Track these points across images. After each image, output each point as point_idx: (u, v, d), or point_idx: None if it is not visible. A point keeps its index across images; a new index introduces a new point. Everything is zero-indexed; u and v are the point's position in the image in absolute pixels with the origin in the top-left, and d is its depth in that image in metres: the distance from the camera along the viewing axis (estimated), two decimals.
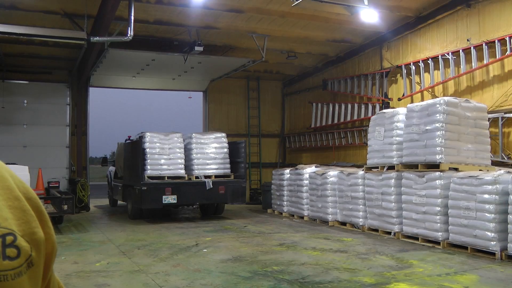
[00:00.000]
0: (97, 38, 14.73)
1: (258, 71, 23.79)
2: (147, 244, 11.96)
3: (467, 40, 15.32)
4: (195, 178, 16.93)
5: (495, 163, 13.06)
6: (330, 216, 15.37)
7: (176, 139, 17.03)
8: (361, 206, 14.15)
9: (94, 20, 15.17)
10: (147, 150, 16.42)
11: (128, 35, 14.23)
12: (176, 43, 18.17)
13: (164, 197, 15.82)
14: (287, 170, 18.30)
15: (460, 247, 10.79)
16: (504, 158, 13.85)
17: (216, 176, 17.23)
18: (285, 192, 18.10)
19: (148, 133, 16.77)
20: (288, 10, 16.08)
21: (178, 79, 22.30)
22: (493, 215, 10.02)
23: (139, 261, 9.84)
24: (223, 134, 18.05)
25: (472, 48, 14.98)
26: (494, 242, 9.98)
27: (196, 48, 17.00)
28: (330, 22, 17.29)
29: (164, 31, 17.54)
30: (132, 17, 13.94)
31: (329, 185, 15.50)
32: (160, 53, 17.66)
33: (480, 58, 14.83)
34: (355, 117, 20.26)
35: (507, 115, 13.90)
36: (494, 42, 14.34)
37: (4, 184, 0.91)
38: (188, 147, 17.33)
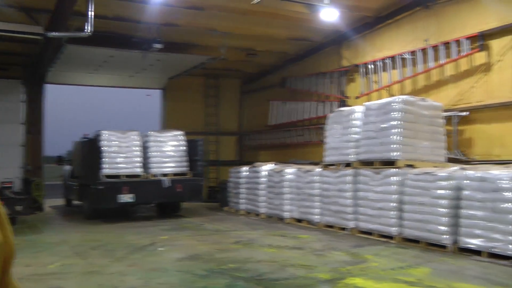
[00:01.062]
0: (54, 34, 14.32)
1: (218, 69, 23.63)
2: (102, 244, 11.73)
3: (425, 40, 15.52)
4: (153, 177, 16.72)
5: (449, 160, 13.27)
6: (286, 213, 15.38)
7: (133, 137, 16.80)
8: (317, 203, 14.19)
9: (51, 15, 14.80)
10: (104, 148, 16.12)
11: (87, 30, 13.90)
12: (135, 40, 17.86)
13: (121, 196, 15.58)
14: (245, 168, 18.26)
15: (414, 242, 10.91)
16: (458, 155, 14.08)
17: (173, 175, 17.05)
18: (242, 190, 18.04)
19: (105, 131, 16.47)
20: (248, 8, 15.99)
21: (136, 77, 22.03)
22: (446, 210, 10.19)
23: (94, 262, 9.63)
24: (181, 132, 17.88)
25: (429, 48, 15.20)
26: (447, 236, 10.14)
27: (155, 45, 16.78)
28: (291, 20, 17.29)
29: (124, 27, 17.19)
30: (91, 12, 13.61)
31: (286, 182, 15.50)
32: (118, 50, 17.37)
33: (436, 58, 15.05)
34: (313, 115, 20.32)
35: (461, 113, 14.14)
36: (450, 43, 14.59)
37: None
38: (145, 145, 17.11)
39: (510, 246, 8.97)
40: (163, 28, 17.15)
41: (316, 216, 14.17)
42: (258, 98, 24.88)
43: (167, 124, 23.74)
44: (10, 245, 0.92)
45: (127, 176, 16.27)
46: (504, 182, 9.18)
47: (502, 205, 9.13)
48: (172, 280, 8.13)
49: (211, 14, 16.46)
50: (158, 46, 16.70)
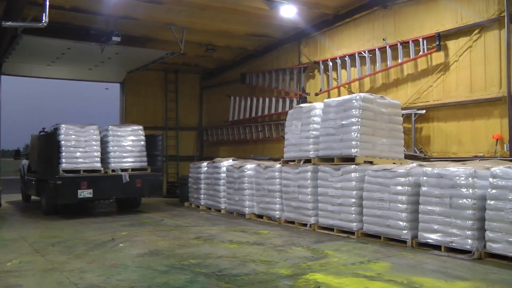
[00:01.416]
0: (9, 23, 13.93)
1: (177, 64, 23.52)
2: (62, 240, 11.50)
3: (383, 39, 15.78)
4: (112, 172, 16.49)
5: (408, 157, 13.54)
6: (247, 209, 15.39)
7: (92, 131, 16.50)
8: (278, 199, 14.23)
9: (6, 4, 14.45)
10: (62, 142, 15.78)
11: (43, 21, 13.54)
12: (93, 32, 17.55)
13: (79, 191, 15.30)
14: (205, 163, 18.17)
15: (374, 237, 11.08)
16: (416, 152, 14.38)
17: (133, 170, 16.85)
18: (202, 185, 17.96)
19: (63, 125, 16.12)
20: (208, 3, 15.97)
21: (94, 70, 21.63)
22: (405, 205, 10.38)
23: (53, 259, 9.44)
24: (140, 127, 17.67)
25: (387, 47, 15.46)
26: (406, 231, 10.35)
27: (114, 38, 16.55)
28: (250, 16, 17.31)
29: (81, 19, 16.88)
30: (47, 2, 13.30)
31: (246, 178, 15.50)
32: (76, 42, 17.01)
33: (395, 57, 15.34)
34: (273, 111, 20.42)
35: (419, 111, 14.46)
36: (408, 42, 14.87)
37: None
38: (104, 139, 16.84)
39: (467, 240, 9.22)
40: (122, 21, 16.95)
41: (277, 212, 14.22)
42: (218, 93, 24.85)
43: (126, 118, 23.49)
44: None
45: (86, 171, 15.99)
46: (461, 178, 9.41)
47: (459, 201, 9.37)
48: (132, 276, 8.04)
49: (170, 9, 16.36)
50: (116, 39, 16.50)
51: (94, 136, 16.43)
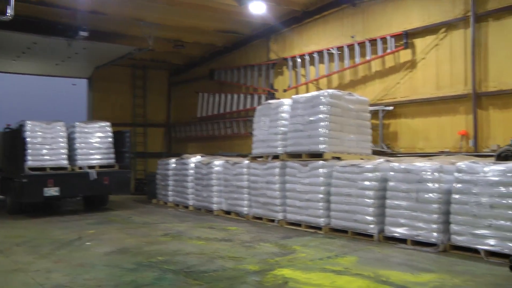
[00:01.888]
0: None
1: (145, 60, 23.29)
2: (27, 240, 11.26)
3: (352, 36, 15.89)
4: (79, 169, 16.23)
5: (375, 153, 13.67)
6: (215, 205, 15.34)
7: (58, 128, 16.19)
8: (245, 195, 14.22)
9: None
10: (28, 139, 15.45)
11: (7, 14, 13.31)
12: (60, 27, 17.23)
13: (46, 189, 15.01)
14: (173, 160, 18.07)
15: (341, 232, 11.15)
16: (383, 148, 14.52)
17: (100, 167, 16.60)
18: (170, 182, 17.85)
19: (29, 122, 15.77)
20: None
21: (61, 65, 21.32)
22: (372, 200, 10.48)
23: (18, 259, 9.24)
24: (108, 124, 17.42)
25: (356, 44, 15.56)
26: (373, 225, 10.45)
27: (81, 33, 16.31)
28: (219, 12, 17.22)
29: (48, 13, 16.51)
30: None
31: (214, 174, 15.45)
32: (42, 36, 16.73)
33: (363, 54, 15.45)
34: (241, 107, 20.40)
35: (387, 108, 14.59)
36: (376, 40, 14.99)
37: None
38: (71, 136, 16.56)
39: (433, 233, 9.37)
40: (90, 16, 16.68)
41: (245, 208, 14.20)
42: (186, 90, 24.71)
43: (94, 115, 23.16)
44: None
45: (52, 168, 15.69)
46: (427, 173, 9.55)
47: (425, 195, 9.50)
48: (99, 275, 7.93)
49: (138, 4, 16.18)
50: (84, 34, 16.26)
51: (60, 133, 16.15)
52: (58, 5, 15.83)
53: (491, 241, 8.53)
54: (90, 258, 9.21)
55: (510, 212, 8.35)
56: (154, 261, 8.78)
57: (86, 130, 16.80)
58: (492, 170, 8.70)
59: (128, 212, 16.25)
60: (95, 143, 16.81)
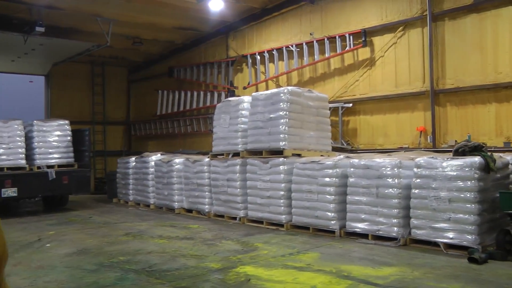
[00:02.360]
0: None
1: (103, 57, 22.96)
2: None
3: (310, 34, 15.99)
4: (37, 169, 15.87)
5: (335, 149, 13.79)
6: (176, 203, 15.25)
7: (16, 126, 15.78)
8: (207, 193, 14.17)
9: None
10: None
11: None
12: (15, 22, 16.83)
13: (3, 190, 14.62)
14: (133, 158, 17.87)
15: (303, 228, 11.22)
16: (343, 144, 14.67)
17: (59, 166, 16.27)
18: (130, 180, 17.65)
19: None
20: None
21: (17, 61, 20.79)
22: (333, 196, 10.56)
23: None
24: (67, 122, 17.09)
25: (315, 42, 15.67)
26: (334, 221, 10.54)
27: (38, 28, 15.91)
28: (177, 9, 17.11)
29: (2, 7, 15.99)
30: None
31: (175, 172, 15.35)
32: None
33: (322, 52, 15.56)
34: (201, 105, 20.33)
35: (346, 105, 14.75)
36: (335, 37, 15.11)
37: None
38: (29, 135, 16.19)
39: (393, 228, 9.52)
40: (46, 11, 16.34)
41: (206, 206, 14.15)
42: (145, 87, 24.48)
43: (52, 113, 22.67)
44: (2, 246, 0.86)
45: (10, 168, 15.29)
46: (387, 169, 9.68)
47: (385, 191, 9.64)
48: (60, 277, 7.77)
49: (96, 0, 15.96)
50: (40, 29, 15.86)
51: (18, 132, 15.75)
52: None
53: (450, 234, 8.71)
54: (50, 260, 9.02)
55: (468, 205, 8.54)
56: (116, 261, 8.66)
57: (44, 128, 16.46)
58: (450, 165, 8.87)
59: (89, 212, 16.01)
60: (54, 141, 16.48)
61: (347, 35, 14.79)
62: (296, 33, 16.61)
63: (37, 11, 16.15)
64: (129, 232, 11.81)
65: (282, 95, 12.22)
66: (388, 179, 9.63)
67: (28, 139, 16.11)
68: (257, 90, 17.04)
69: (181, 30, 19.77)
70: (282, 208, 11.70)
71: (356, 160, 10.38)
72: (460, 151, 9.30)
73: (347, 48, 14.81)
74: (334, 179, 10.61)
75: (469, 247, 8.31)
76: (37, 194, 16.55)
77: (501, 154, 9.93)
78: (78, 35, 19.04)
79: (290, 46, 16.46)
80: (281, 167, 11.84)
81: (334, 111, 14.62)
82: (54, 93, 23.27)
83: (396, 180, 9.54)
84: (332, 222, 10.55)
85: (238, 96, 16.47)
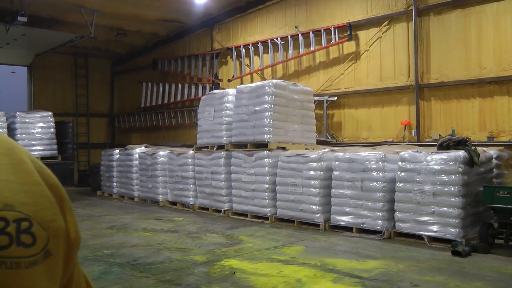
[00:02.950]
0: None
1: (87, 48, 22.72)
2: None
3: (295, 27, 15.96)
4: None
5: (320, 142, 13.82)
6: (160, 196, 15.20)
7: None
8: (191, 185, 14.14)
9: None
10: None
11: None
12: None
13: None
14: (117, 151, 17.75)
15: (288, 221, 11.25)
16: (328, 138, 14.69)
17: (42, 158, 16.10)
18: (114, 173, 17.55)
19: None
20: None
21: None
22: (318, 190, 10.59)
23: None
24: (50, 113, 16.98)
25: (300, 35, 15.64)
26: (319, 215, 10.57)
27: (20, 18, 15.68)
28: (162, 1, 17.01)
29: None
30: None
31: (159, 165, 15.29)
32: None
33: (307, 45, 15.55)
34: (185, 97, 20.23)
35: (331, 98, 14.77)
36: (320, 31, 15.10)
37: (21, 167, 0.82)
38: (11, 127, 16.06)
39: (378, 221, 9.58)
40: (29, 1, 16.09)
41: (191, 199, 14.13)
42: (129, 79, 24.31)
43: (35, 104, 22.41)
44: (75, 231, 0.90)
45: None
46: (371, 162, 9.73)
47: (370, 184, 9.69)
48: None
49: None
50: (22, 19, 15.63)
51: (0, 123, 15.62)
52: None
53: (434, 227, 8.79)
54: None
55: (452, 199, 8.61)
56: (100, 254, 8.61)
57: (27, 120, 16.32)
58: (434, 159, 8.92)
59: (72, 205, 15.83)
60: (37, 133, 16.37)
61: (332, 29, 14.78)
62: (281, 26, 16.58)
63: (19, 0, 15.92)
64: (113, 225, 11.75)
65: (267, 88, 12.20)
66: (372, 173, 9.67)
67: (11, 131, 15.96)
68: (241, 83, 16.98)
69: (165, 22, 19.64)
70: (267, 201, 11.71)
71: (341, 154, 10.41)
72: (445, 145, 9.36)
73: (332, 41, 14.82)
74: (318, 172, 10.62)
75: (453, 240, 8.38)
76: None
77: (484, 149, 10.04)
78: (61, 26, 18.82)
79: (275, 39, 16.43)
80: (266, 160, 11.84)
81: (319, 104, 14.62)
82: (36, 84, 23.02)
83: (380, 174, 9.58)
84: (316, 215, 10.58)
85: (223, 88, 16.40)
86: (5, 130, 15.67)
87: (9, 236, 0.75)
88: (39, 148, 16.26)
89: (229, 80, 18.28)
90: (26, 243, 0.77)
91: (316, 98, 14.28)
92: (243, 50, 17.70)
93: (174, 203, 14.83)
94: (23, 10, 15.63)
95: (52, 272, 0.81)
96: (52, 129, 16.72)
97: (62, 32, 18.46)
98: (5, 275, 0.73)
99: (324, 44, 15.04)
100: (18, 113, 16.34)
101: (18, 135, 15.94)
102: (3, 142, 0.82)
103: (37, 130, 16.40)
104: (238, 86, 13.42)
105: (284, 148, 12.13)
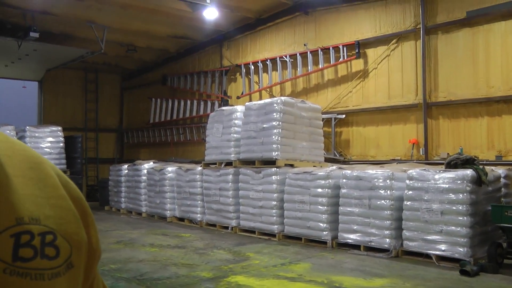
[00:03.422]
0: None
1: (97, 63, 22.88)
2: None
3: (304, 44, 16.03)
4: None
5: (328, 160, 13.82)
6: (168, 212, 15.22)
7: (8, 132, 15.72)
8: (199, 201, 14.15)
9: None
10: None
11: None
12: (9, 27, 16.79)
13: None
14: (125, 166, 17.83)
15: (295, 239, 11.23)
16: (336, 155, 14.69)
17: None
18: (122, 188, 17.60)
19: None
20: (129, 2, 15.68)
21: (11, 66, 20.71)
22: (325, 207, 10.59)
23: None
24: (59, 128, 17.07)
25: (308, 52, 15.70)
26: (326, 232, 10.55)
27: (32, 34, 15.88)
28: (172, 18, 17.13)
29: None
30: None
31: (167, 181, 15.33)
32: None
33: (316, 63, 15.60)
34: (194, 114, 20.30)
35: (339, 116, 14.78)
36: (329, 48, 15.16)
37: (48, 182, 0.86)
38: (21, 140, 16.12)
39: (385, 239, 9.55)
40: (40, 17, 16.32)
41: (198, 215, 14.14)
42: (138, 95, 24.43)
43: (45, 118, 22.57)
44: (96, 244, 0.94)
45: None
46: (379, 180, 9.72)
47: (377, 202, 9.67)
48: None
49: (90, 6, 15.94)
50: (34, 35, 15.83)
51: None
52: (7, 4, 15.39)
53: (442, 246, 8.75)
54: None
55: (460, 218, 8.58)
56: (107, 269, 8.62)
57: (36, 134, 16.42)
58: (442, 177, 8.91)
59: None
60: (46, 148, 16.44)
61: (340, 47, 14.84)
62: (290, 43, 16.67)
63: (31, 16, 16.12)
64: (120, 240, 11.76)
65: (275, 105, 12.24)
66: (380, 191, 9.66)
67: None
68: (250, 100, 17.03)
69: (175, 38, 19.79)
70: (274, 218, 11.70)
71: (349, 171, 10.41)
72: (452, 164, 9.34)
73: (341, 59, 14.87)
74: (326, 190, 10.62)
75: (461, 259, 8.34)
76: None
77: (492, 168, 10.01)
78: (72, 41, 19.01)
79: (284, 57, 16.51)
80: (274, 177, 11.85)
81: (327, 122, 14.65)
82: (47, 99, 23.18)
83: (388, 192, 9.57)
84: (324, 232, 10.56)
85: (232, 105, 16.47)
86: None
87: (34, 248, 0.78)
88: None
89: (238, 97, 18.35)
90: (50, 256, 0.80)
91: (324, 116, 14.31)
92: (252, 67, 17.77)
93: (181, 219, 14.84)
94: (35, 26, 15.83)
95: (73, 282, 0.85)
96: (61, 144, 16.80)
97: (73, 47, 18.63)
98: (29, 286, 0.76)
99: (332, 61, 15.09)
100: (28, 127, 16.44)
101: None
102: (31, 157, 0.85)
103: (47, 144, 16.48)
104: (247, 103, 13.48)
105: (292, 165, 12.13)
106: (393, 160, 13.30)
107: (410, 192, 9.24)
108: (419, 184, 9.15)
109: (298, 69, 16.05)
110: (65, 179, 0.90)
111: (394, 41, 13.86)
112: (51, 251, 0.81)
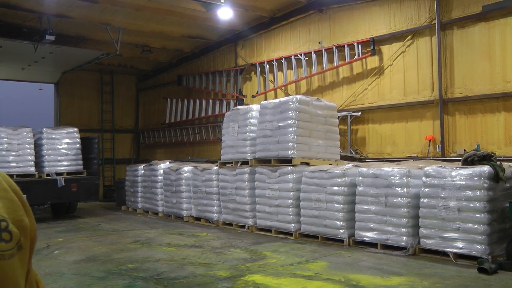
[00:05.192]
0: None
1: (112, 65, 23.05)
2: None
3: (319, 42, 16.00)
4: (46, 176, 15.92)
5: (344, 158, 13.78)
6: (185, 211, 15.28)
7: (25, 134, 15.82)
8: (215, 201, 14.19)
9: None
10: None
11: None
12: (25, 30, 16.96)
13: None
14: (141, 166, 17.93)
15: (312, 237, 11.22)
16: (352, 153, 14.65)
17: (68, 173, 16.32)
18: (139, 188, 17.70)
19: None
20: (143, 4, 15.75)
21: (28, 69, 20.90)
22: (342, 205, 10.56)
23: None
24: (76, 129, 17.15)
25: (323, 50, 15.67)
26: (343, 230, 10.53)
27: (47, 37, 16.00)
28: (186, 18, 17.18)
29: (12, 16, 16.22)
30: None
31: (183, 180, 15.38)
32: (7, 40, 16.36)
33: (330, 60, 15.56)
34: (210, 113, 20.35)
35: (354, 113, 14.74)
36: (343, 46, 15.11)
37: None
38: (38, 142, 16.21)
39: (402, 237, 9.49)
40: (56, 20, 16.46)
41: (215, 214, 14.17)
42: (154, 95, 24.56)
43: (61, 120, 22.82)
44: (34, 230, 1.11)
45: (19, 175, 15.36)
46: (396, 178, 9.66)
47: (394, 200, 9.62)
48: (68, 284, 7.81)
49: (105, 8, 16.03)
50: (50, 38, 15.94)
51: (27, 139, 15.81)
52: (23, 8, 15.53)
53: (460, 244, 8.68)
54: (59, 267, 9.06)
55: (477, 215, 8.51)
56: (124, 268, 8.69)
57: (53, 136, 16.51)
58: (459, 174, 8.84)
59: (97, 220, 16.05)
60: (63, 149, 16.52)
61: (355, 44, 14.79)
62: (305, 41, 16.64)
63: (46, 19, 16.24)
64: (137, 239, 11.84)
65: (290, 103, 12.24)
66: (397, 188, 9.62)
67: (38, 147, 16.15)
68: (265, 99, 17.04)
69: (190, 39, 19.84)
70: (291, 216, 11.70)
71: (365, 169, 10.37)
72: (469, 160, 9.28)
73: (356, 56, 14.81)
74: (342, 188, 10.60)
75: (479, 257, 8.27)
76: (46, 201, 16.61)
77: (510, 164, 9.91)
78: (87, 44, 19.17)
79: (298, 55, 16.49)
80: (290, 176, 11.85)
81: (342, 119, 14.62)
82: (63, 101, 23.39)
83: (405, 189, 9.52)
84: (340, 231, 10.54)
85: (247, 104, 16.50)
86: (32, 146, 15.85)
87: None
88: (65, 163, 16.42)
89: (253, 96, 18.36)
90: (6, 239, 0.97)
91: (340, 114, 14.28)
92: (267, 66, 17.77)
93: (198, 219, 14.89)
94: (50, 29, 15.95)
95: (23, 261, 1.02)
96: (78, 145, 16.89)
97: (88, 49, 18.77)
98: None
99: (347, 59, 15.04)
100: (44, 129, 16.53)
101: (45, 151, 16.13)
102: None
103: (63, 146, 16.56)
104: (262, 102, 13.48)
105: (308, 164, 12.12)
106: (410, 157, 13.22)
107: (427, 189, 9.18)
108: (435, 181, 9.08)
109: (313, 67, 16.01)
110: (2, 174, 1.09)
111: (409, 37, 13.78)
112: (6, 235, 0.98)
